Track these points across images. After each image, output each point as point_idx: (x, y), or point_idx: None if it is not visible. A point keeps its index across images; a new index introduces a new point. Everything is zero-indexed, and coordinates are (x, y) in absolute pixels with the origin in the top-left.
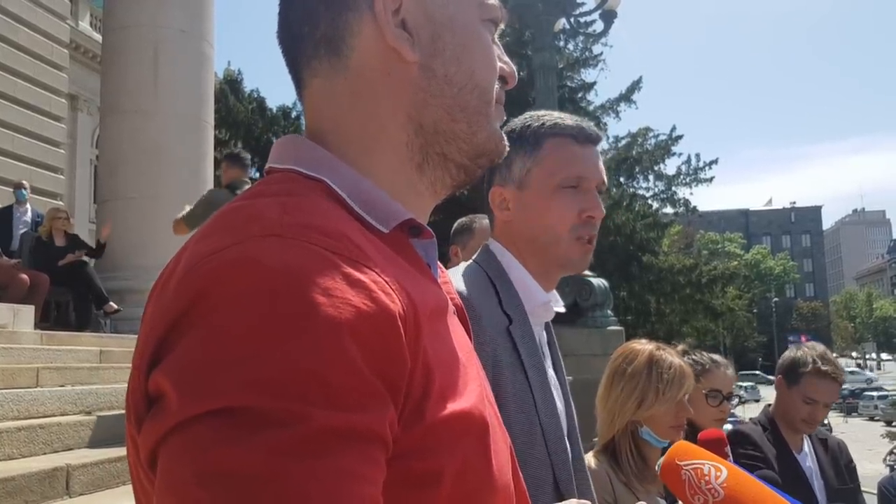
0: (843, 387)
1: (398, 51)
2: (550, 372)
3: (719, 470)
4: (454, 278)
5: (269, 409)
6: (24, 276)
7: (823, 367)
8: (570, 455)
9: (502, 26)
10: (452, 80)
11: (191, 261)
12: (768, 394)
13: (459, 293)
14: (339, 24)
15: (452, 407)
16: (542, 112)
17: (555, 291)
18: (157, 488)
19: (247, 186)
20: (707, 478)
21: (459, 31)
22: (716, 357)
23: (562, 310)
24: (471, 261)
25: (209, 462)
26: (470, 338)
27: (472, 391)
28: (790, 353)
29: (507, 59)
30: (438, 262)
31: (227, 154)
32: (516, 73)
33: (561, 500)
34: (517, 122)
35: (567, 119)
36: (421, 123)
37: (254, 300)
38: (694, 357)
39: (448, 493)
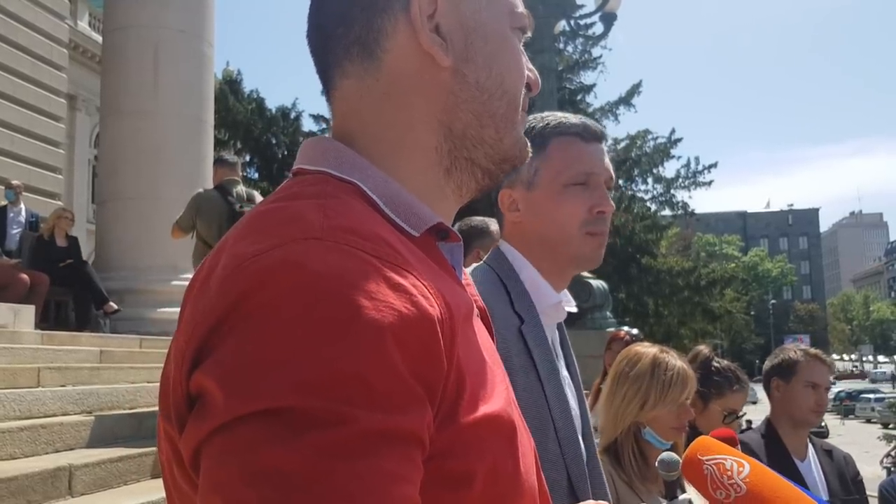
0: (840, 389)
1: (432, 55)
2: (564, 372)
3: (742, 465)
4: None
5: (314, 410)
6: (25, 276)
7: (812, 352)
8: (583, 455)
9: (529, 34)
10: (483, 86)
11: (232, 262)
12: (765, 396)
13: None
14: (374, 26)
15: (483, 409)
16: (545, 113)
17: (566, 291)
18: (202, 488)
19: (239, 186)
20: (729, 473)
21: (491, 38)
22: (741, 374)
23: (573, 309)
24: (481, 262)
25: (256, 462)
26: (493, 340)
27: (500, 394)
28: (774, 359)
29: (532, 66)
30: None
31: (216, 159)
32: (540, 81)
33: (576, 501)
34: None
35: (571, 118)
36: (451, 128)
37: (298, 303)
38: (718, 366)
39: (479, 494)
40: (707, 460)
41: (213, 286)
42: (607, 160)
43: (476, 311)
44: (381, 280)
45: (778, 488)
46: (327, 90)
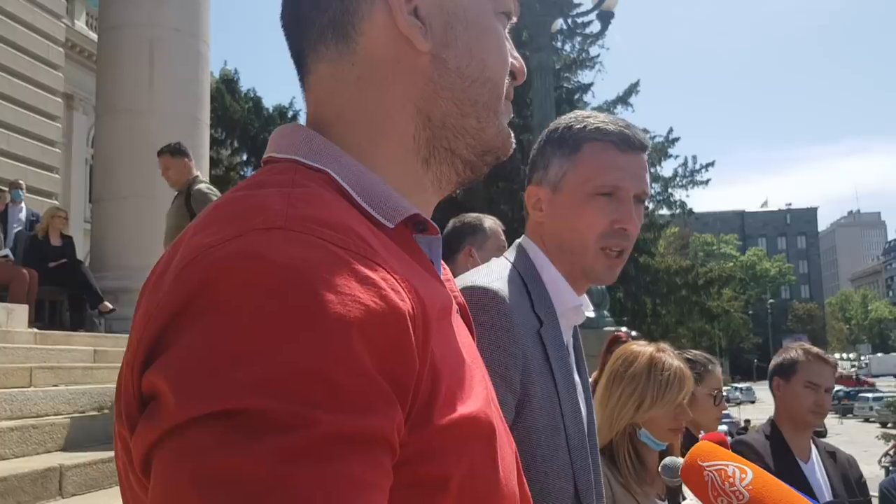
0: (838, 388)
1: (410, 39)
2: (575, 376)
3: (744, 472)
4: (485, 276)
5: (272, 411)
6: (24, 270)
7: (814, 351)
8: (591, 463)
9: (514, 20)
10: (464, 72)
11: (189, 253)
12: (764, 395)
13: (498, 293)
14: (349, 8)
15: (460, 410)
16: (586, 113)
17: (585, 296)
18: (152, 495)
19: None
20: (731, 479)
21: (473, 22)
22: (707, 356)
23: (592, 314)
24: (502, 258)
25: (209, 468)
26: (473, 338)
27: (479, 394)
28: (777, 358)
29: (517, 53)
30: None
31: (174, 149)
32: (526, 69)
33: None
34: (561, 121)
35: (611, 124)
36: (429, 116)
37: (257, 296)
38: (688, 357)
39: (455, 499)
40: (708, 466)
41: (169, 279)
42: (645, 174)
43: (455, 307)
44: (348, 272)
45: (781, 496)
46: (301, 76)
